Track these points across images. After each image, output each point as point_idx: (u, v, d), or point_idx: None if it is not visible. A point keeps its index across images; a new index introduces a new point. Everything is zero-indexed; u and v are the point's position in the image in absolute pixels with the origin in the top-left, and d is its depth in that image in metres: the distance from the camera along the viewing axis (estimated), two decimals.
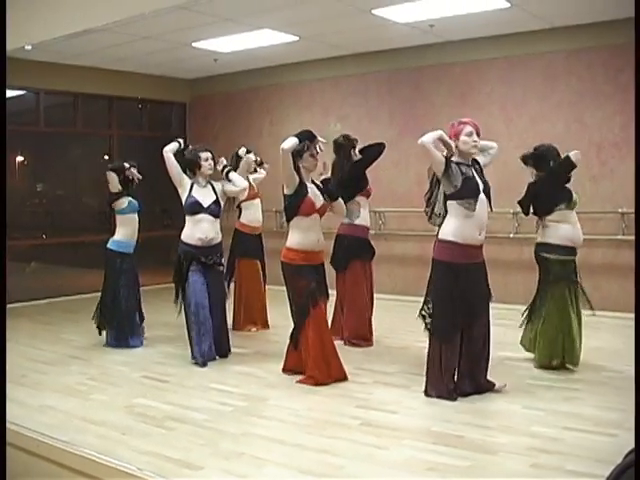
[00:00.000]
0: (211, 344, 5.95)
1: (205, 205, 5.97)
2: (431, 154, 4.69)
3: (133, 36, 7.81)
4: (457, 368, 4.82)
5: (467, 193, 4.67)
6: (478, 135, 4.73)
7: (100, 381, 5.54)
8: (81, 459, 3.94)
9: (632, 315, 7.07)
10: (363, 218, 6.45)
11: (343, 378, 5.29)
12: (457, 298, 4.71)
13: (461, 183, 4.65)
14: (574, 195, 5.47)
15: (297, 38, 8.20)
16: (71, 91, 9.70)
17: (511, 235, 7.88)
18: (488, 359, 4.91)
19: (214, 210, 6.02)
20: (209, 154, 6.10)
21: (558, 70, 7.87)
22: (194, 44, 8.44)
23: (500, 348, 5.21)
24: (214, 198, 6.03)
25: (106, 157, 10.44)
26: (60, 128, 9.94)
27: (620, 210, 7.28)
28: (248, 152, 7.01)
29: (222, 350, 6.10)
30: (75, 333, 7.31)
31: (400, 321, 7.32)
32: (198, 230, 5.98)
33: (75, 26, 6.88)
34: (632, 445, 1.48)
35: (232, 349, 6.17)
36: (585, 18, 7.29)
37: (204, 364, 5.86)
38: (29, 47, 7.33)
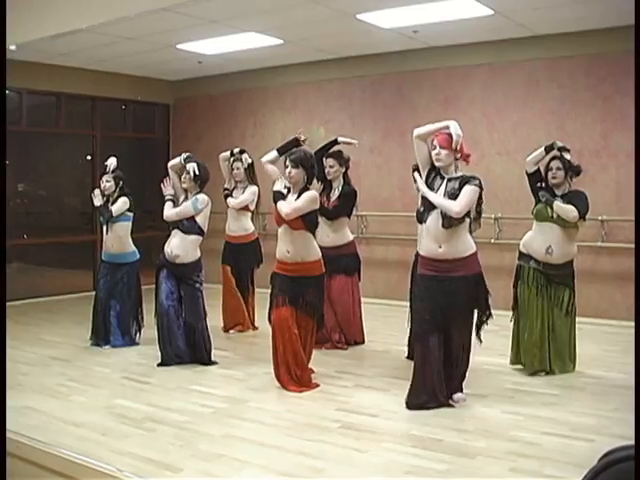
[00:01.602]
0: (175, 347, 5.91)
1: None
2: (416, 150, 4.67)
3: (117, 37, 7.78)
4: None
5: (423, 205, 4.67)
6: (443, 147, 4.50)
7: (80, 382, 5.52)
8: (61, 460, 3.93)
9: (611, 322, 7.22)
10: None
11: (289, 388, 5.17)
12: (432, 308, 4.61)
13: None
14: (539, 206, 5.50)
15: (282, 41, 8.20)
16: (54, 91, 9.63)
17: (492, 240, 7.92)
18: (459, 376, 4.80)
19: (185, 226, 5.89)
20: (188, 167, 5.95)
21: (540, 77, 7.93)
22: (178, 46, 8.42)
23: (480, 353, 5.24)
24: (191, 214, 5.92)
25: (88, 157, 10.40)
26: (43, 128, 9.85)
27: (600, 218, 7.32)
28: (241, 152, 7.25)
29: (199, 358, 5.99)
30: (56, 334, 7.27)
31: (382, 325, 7.34)
32: (168, 244, 5.98)
33: (60, 27, 6.87)
34: (607, 449, 1.50)
35: (214, 351, 6.08)
36: (567, 27, 7.35)
37: (164, 364, 5.89)
38: (13, 47, 7.29)
